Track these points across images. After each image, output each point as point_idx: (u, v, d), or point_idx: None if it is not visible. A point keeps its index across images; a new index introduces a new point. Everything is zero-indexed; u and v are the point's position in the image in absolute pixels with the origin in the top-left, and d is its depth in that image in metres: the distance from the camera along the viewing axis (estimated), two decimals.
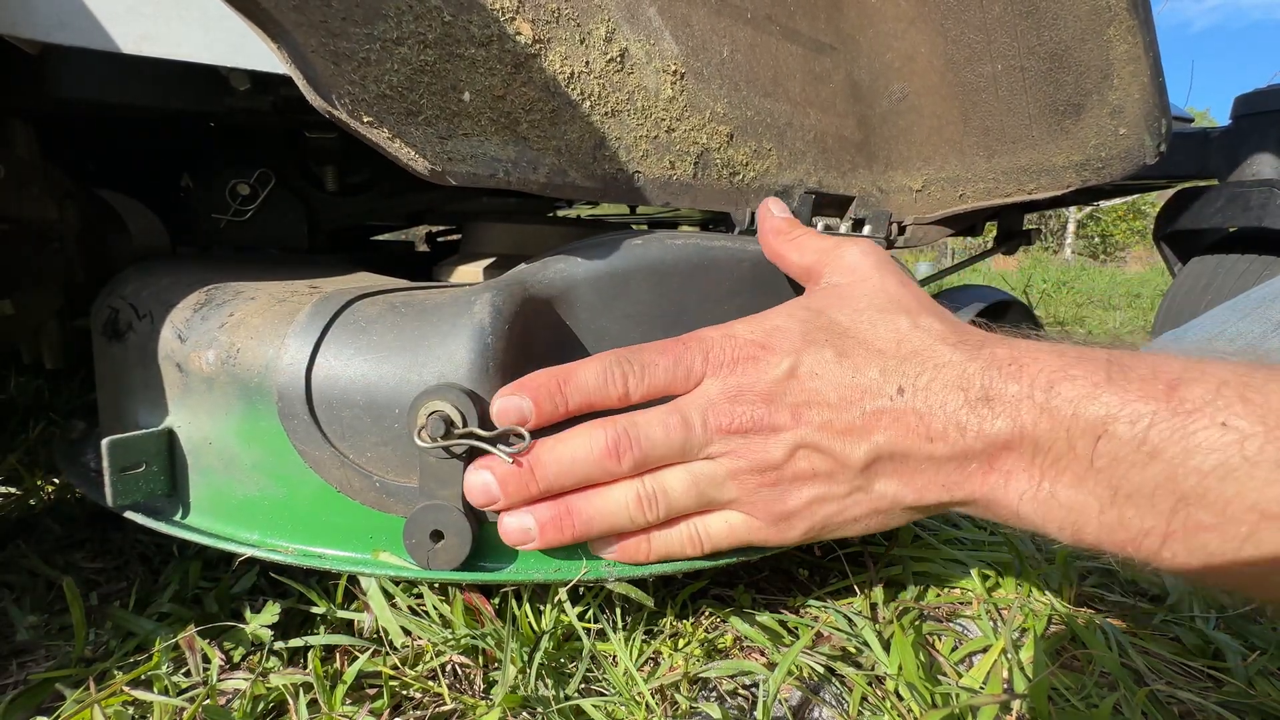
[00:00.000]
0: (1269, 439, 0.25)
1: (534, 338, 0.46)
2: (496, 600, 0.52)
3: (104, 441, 0.43)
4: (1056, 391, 0.30)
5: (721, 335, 0.38)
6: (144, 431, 0.46)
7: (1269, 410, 0.26)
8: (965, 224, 0.70)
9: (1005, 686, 0.46)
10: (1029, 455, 0.31)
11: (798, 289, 0.48)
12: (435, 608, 0.51)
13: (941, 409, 0.33)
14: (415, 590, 0.53)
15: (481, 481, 0.39)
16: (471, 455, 0.41)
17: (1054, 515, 0.31)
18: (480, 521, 0.43)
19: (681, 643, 0.52)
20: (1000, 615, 0.56)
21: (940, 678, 0.48)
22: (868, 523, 0.38)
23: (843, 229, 0.63)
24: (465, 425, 0.40)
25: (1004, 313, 0.93)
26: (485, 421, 0.41)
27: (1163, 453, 0.27)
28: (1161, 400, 0.28)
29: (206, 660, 0.46)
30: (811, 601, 0.57)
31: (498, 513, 0.41)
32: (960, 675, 0.49)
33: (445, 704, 0.44)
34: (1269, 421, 0.26)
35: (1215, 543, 0.27)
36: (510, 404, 0.38)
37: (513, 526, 0.39)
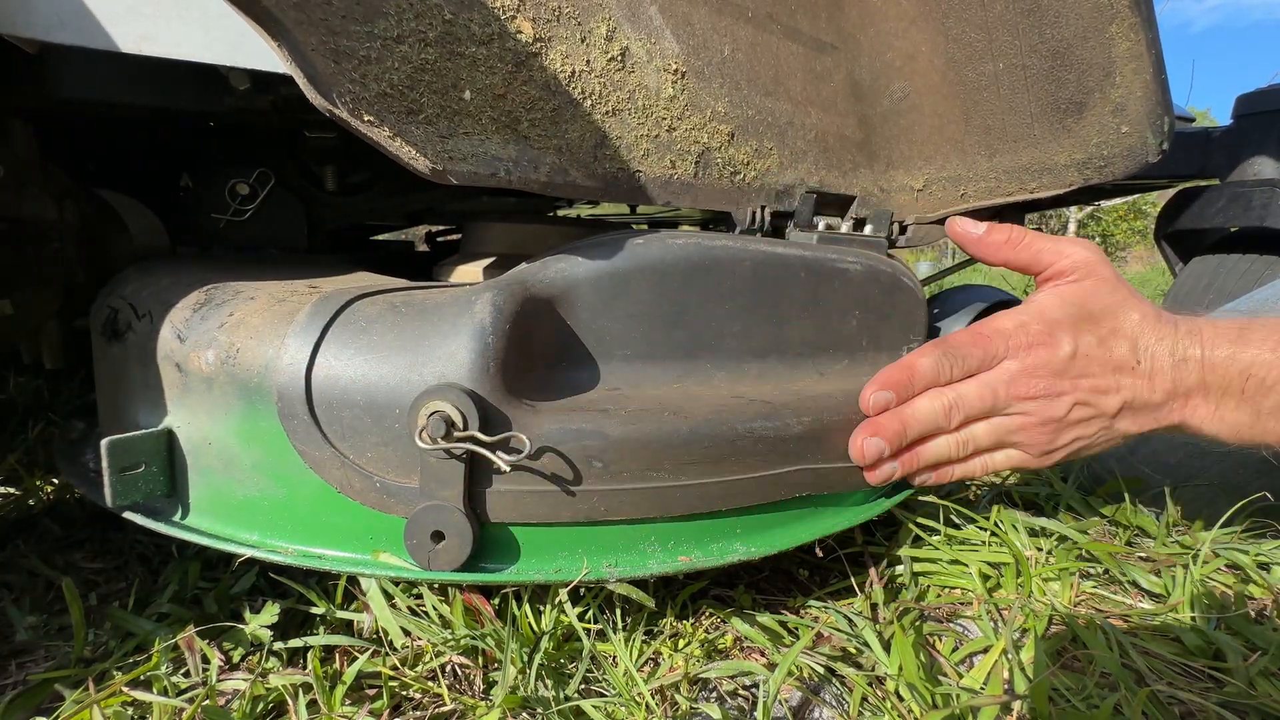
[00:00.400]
0: None
1: (535, 337, 0.46)
2: (496, 601, 0.52)
3: (103, 442, 0.43)
4: (1218, 353, 0.49)
5: (1015, 325, 0.52)
6: (143, 432, 0.45)
7: None
8: None
9: (1006, 687, 0.45)
10: (1207, 394, 0.50)
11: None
12: (435, 608, 0.51)
13: (1162, 370, 0.50)
14: (415, 591, 0.53)
15: (876, 444, 0.51)
16: (472, 456, 0.41)
17: (1225, 428, 0.50)
18: (481, 522, 0.43)
19: (681, 643, 0.52)
20: (1000, 615, 0.56)
21: (941, 678, 0.48)
22: (1101, 448, 0.53)
23: (844, 228, 0.63)
24: (466, 426, 0.40)
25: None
26: (486, 422, 0.41)
27: (1278, 385, 0.47)
28: (1273, 353, 0.47)
29: (206, 661, 0.46)
30: (812, 602, 0.57)
31: (866, 468, 0.52)
32: (961, 676, 0.48)
33: (445, 704, 0.44)
34: None
35: None
36: (881, 397, 0.52)
37: (886, 468, 0.53)
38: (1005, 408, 0.52)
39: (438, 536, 0.41)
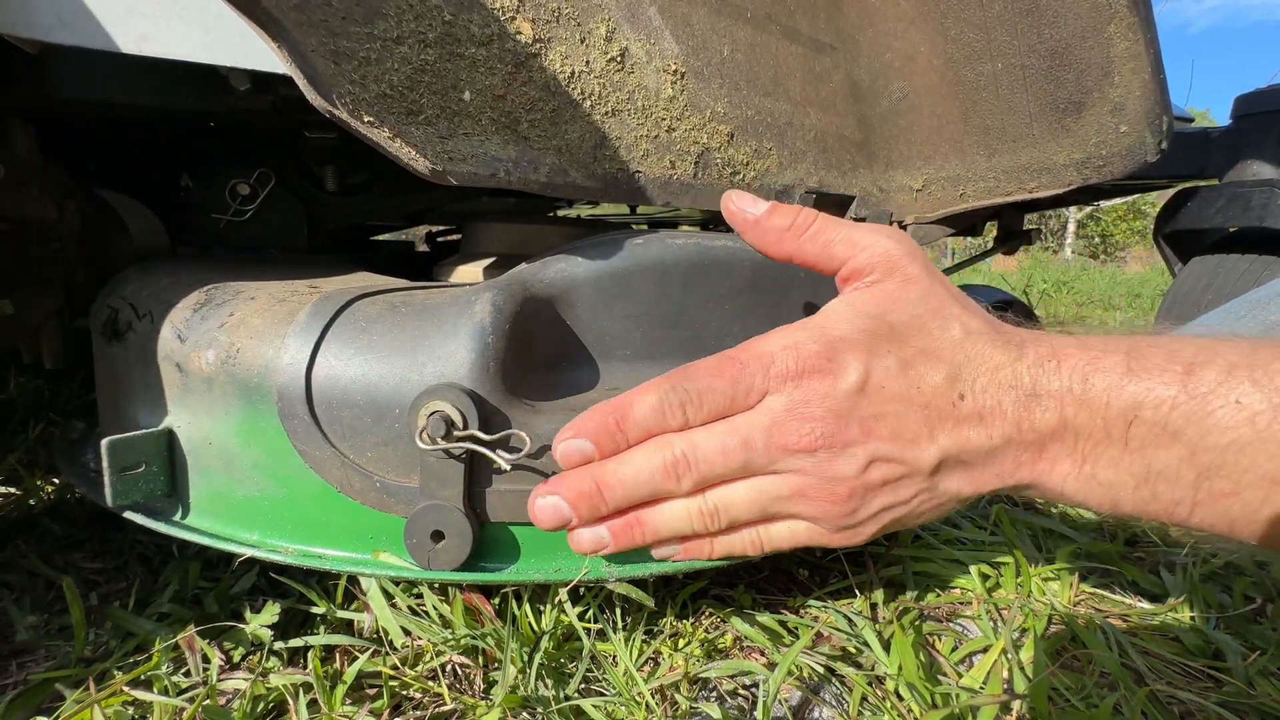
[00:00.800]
0: (1275, 416, 0.29)
1: (534, 337, 0.46)
2: (496, 600, 0.52)
3: (103, 442, 0.43)
4: (1091, 384, 0.34)
5: (782, 348, 0.37)
6: (144, 432, 0.46)
7: (1274, 389, 0.29)
8: (966, 223, 0.70)
9: (1005, 687, 0.45)
10: (1071, 442, 0.35)
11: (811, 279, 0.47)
12: (435, 608, 0.51)
13: (998, 407, 0.36)
14: (415, 590, 0.53)
15: (552, 505, 0.39)
16: (472, 456, 0.41)
17: (1094, 493, 0.35)
18: (481, 522, 0.43)
19: (681, 643, 0.52)
20: (1000, 615, 0.56)
21: (940, 678, 0.48)
22: (929, 516, 0.40)
23: None
24: (466, 426, 0.40)
25: (1004, 313, 0.93)
26: (486, 422, 0.41)
27: (1183, 433, 0.31)
28: (1179, 385, 0.31)
29: (206, 660, 0.46)
30: (811, 601, 0.57)
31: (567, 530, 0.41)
32: (960, 675, 0.48)
33: (445, 704, 0.44)
34: (1274, 400, 0.29)
35: (1236, 508, 0.31)
36: (572, 448, 0.39)
37: (586, 537, 0.40)
38: (769, 464, 0.37)
39: (438, 536, 0.41)
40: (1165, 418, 0.31)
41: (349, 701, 0.44)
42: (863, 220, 0.63)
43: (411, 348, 0.43)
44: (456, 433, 0.40)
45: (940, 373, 0.36)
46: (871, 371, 0.36)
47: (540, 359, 0.47)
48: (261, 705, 0.43)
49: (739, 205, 0.44)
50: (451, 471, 0.41)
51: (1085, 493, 0.35)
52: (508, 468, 0.40)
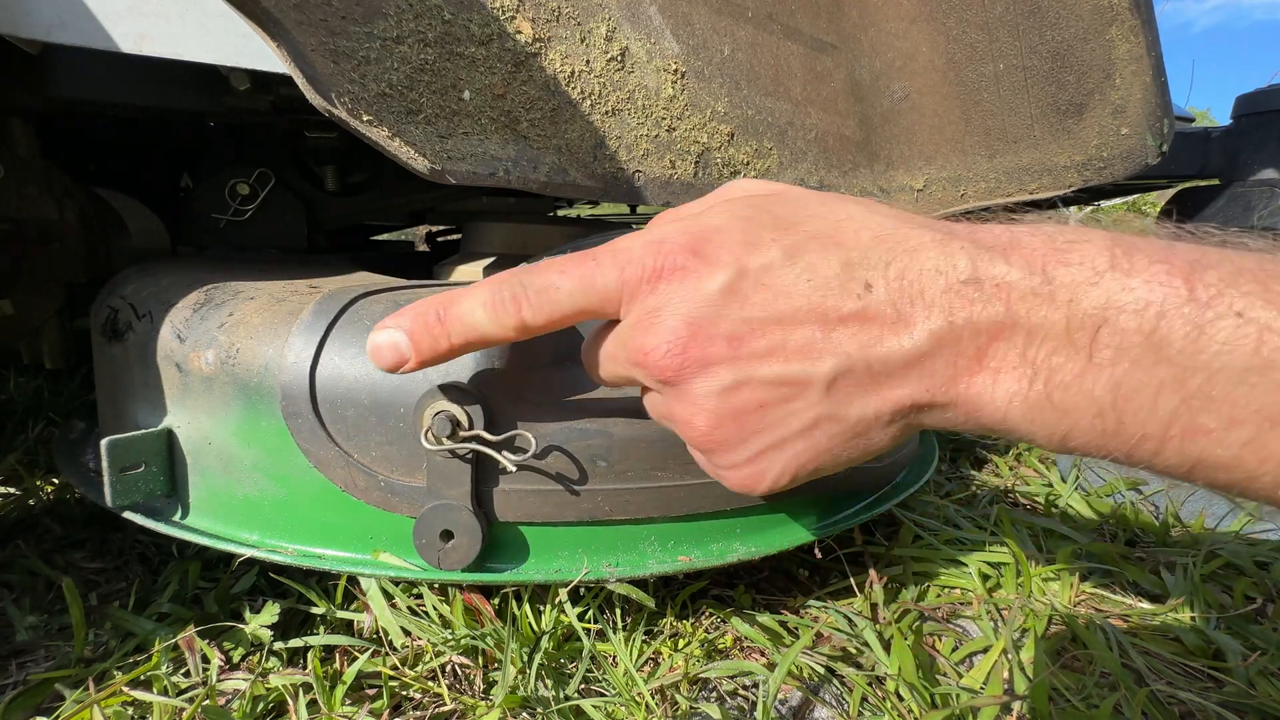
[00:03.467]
0: None
1: (537, 336, 0.46)
2: (496, 601, 0.52)
3: (103, 442, 0.43)
4: (1052, 275, 0.25)
5: (643, 243, 0.30)
6: (143, 432, 0.46)
7: None
8: None
9: (1006, 687, 0.45)
10: (1020, 347, 0.26)
11: None
12: (435, 608, 0.51)
13: (921, 298, 0.27)
14: (415, 591, 0.53)
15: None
16: (479, 456, 0.41)
17: (1044, 419, 0.26)
18: (490, 521, 0.43)
19: (681, 643, 0.52)
20: (1000, 615, 0.56)
21: (940, 678, 0.48)
22: (852, 454, 0.31)
23: None
24: (471, 426, 0.40)
25: None
26: (491, 421, 0.41)
27: (1170, 345, 0.23)
28: (1172, 285, 0.24)
29: (206, 660, 0.46)
30: (811, 601, 0.57)
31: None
32: (960, 676, 0.48)
33: (445, 704, 0.44)
34: None
35: (1212, 449, 0.24)
36: (384, 340, 0.33)
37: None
38: (639, 378, 0.32)
39: (447, 535, 0.41)
40: (1151, 324, 0.23)
41: (349, 702, 0.44)
42: None
43: None
44: (462, 433, 0.40)
45: (838, 257, 0.28)
46: (747, 267, 0.28)
47: (544, 357, 0.47)
48: (261, 705, 0.43)
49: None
50: (459, 471, 0.41)
51: (1032, 420, 0.26)
52: (513, 469, 0.40)
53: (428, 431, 0.39)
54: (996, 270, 0.26)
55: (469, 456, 0.41)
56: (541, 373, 0.47)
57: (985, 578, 0.60)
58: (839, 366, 0.28)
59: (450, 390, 0.40)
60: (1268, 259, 0.24)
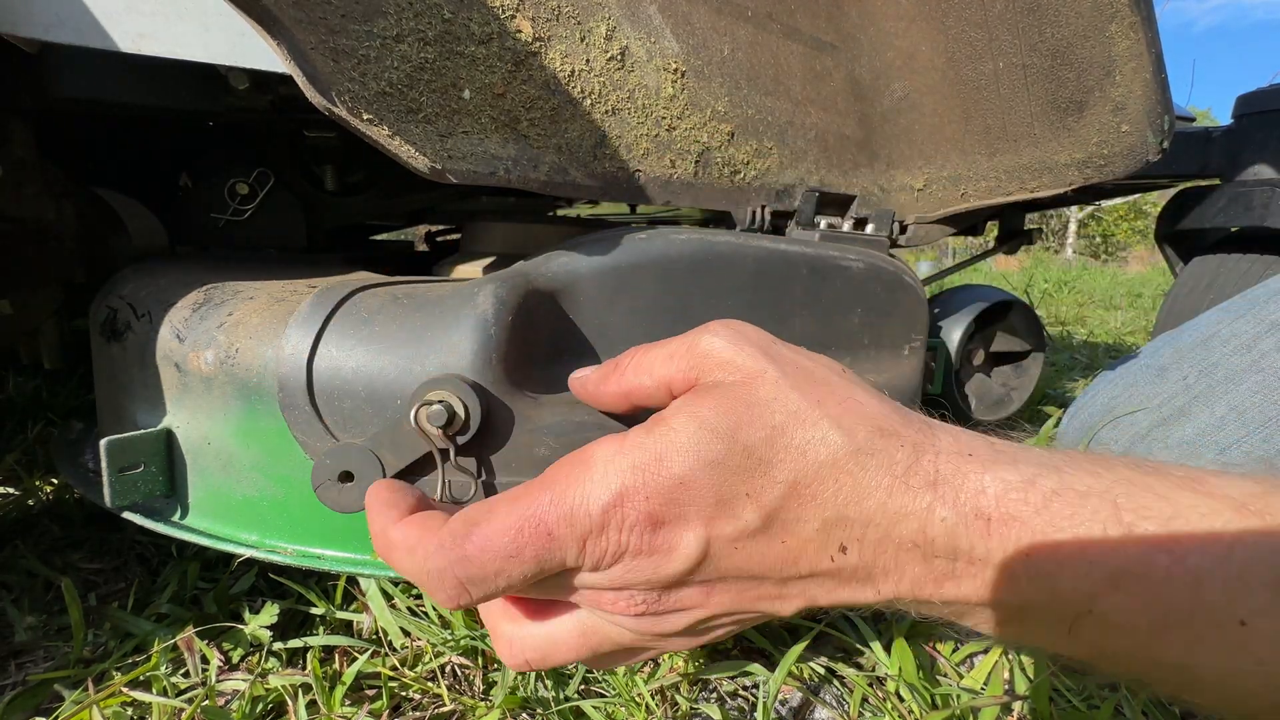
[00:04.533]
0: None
1: (537, 331, 0.46)
2: None
3: (102, 442, 0.43)
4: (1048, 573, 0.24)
5: (602, 506, 0.27)
6: (142, 432, 0.45)
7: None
8: (967, 223, 0.70)
9: (1006, 687, 0.45)
10: (995, 615, 0.26)
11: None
12: (435, 608, 0.51)
13: (895, 569, 0.26)
14: (415, 591, 0.53)
15: None
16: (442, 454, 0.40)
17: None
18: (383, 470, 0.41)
19: None
20: None
21: (941, 679, 0.48)
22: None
23: (844, 227, 0.63)
24: (467, 419, 0.39)
25: (1006, 313, 0.93)
26: (489, 412, 0.40)
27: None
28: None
29: (205, 661, 0.46)
30: None
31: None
32: (961, 676, 0.48)
33: (445, 705, 0.44)
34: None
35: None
36: None
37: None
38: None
39: (346, 476, 0.39)
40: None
41: (348, 702, 0.44)
42: (864, 220, 0.63)
43: (414, 339, 0.43)
44: (450, 431, 0.39)
45: (815, 517, 0.26)
46: (715, 540, 0.27)
47: (542, 352, 0.47)
48: (260, 706, 0.43)
49: (579, 382, 0.37)
50: (415, 446, 0.40)
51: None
52: (437, 496, 0.40)
53: (418, 408, 0.38)
54: (977, 549, 0.25)
55: (438, 449, 0.40)
56: (539, 367, 0.46)
57: None
58: (803, 606, 0.29)
59: (448, 381, 0.40)
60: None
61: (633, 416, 0.36)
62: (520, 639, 0.32)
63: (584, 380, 0.37)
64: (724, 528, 0.27)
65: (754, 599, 0.29)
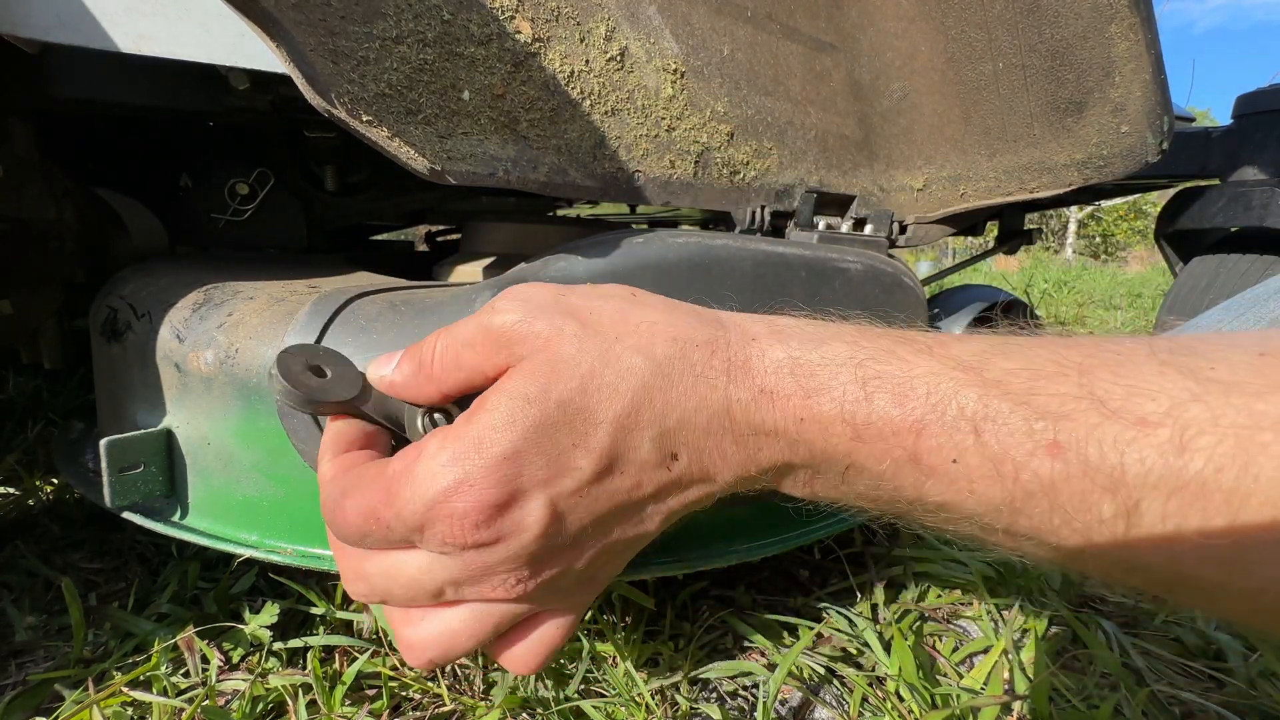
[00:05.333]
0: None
1: None
2: None
3: (102, 442, 0.43)
4: (807, 419, 0.28)
5: (425, 507, 0.27)
6: (142, 432, 0.45)
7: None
8: (967, 223, 0.70)
9: (1006, 687, 0.45)
10: (805, 476, 0.30)
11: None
12: None
13: (721, 458, 0.29)
14: None
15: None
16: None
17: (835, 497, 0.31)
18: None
19: (681, 643, 0.52)
20: (1001, 616, 0.56)
21: (941, 678, 0.48)
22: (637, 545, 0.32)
23: (844, 228, 0.63)
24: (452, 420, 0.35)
25: (1005, 313, 0.93)
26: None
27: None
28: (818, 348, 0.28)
29: (205, 661, 0.46)
30: (812, 602, 0.57)
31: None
32: (961, 676, 0.48)
33: (445, 705, 0.44)
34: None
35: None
36: None
37: None
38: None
39: (319, 372, 0.34)
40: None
41: (348, 702, 0.44)
42: (863, 220, 0.63)
43: None
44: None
45: (645, 440, 0.28)
46: (559, 499, 0.28)
47: None
48: (260, 706, 0.43)
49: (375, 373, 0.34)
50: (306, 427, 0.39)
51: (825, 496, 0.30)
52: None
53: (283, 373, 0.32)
54: (766, 421, 0.28)
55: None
56: None
57: (986, 578, 0.60)
58: (665, 516, 0.30)
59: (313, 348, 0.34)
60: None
61: None
62: (419, 639, 0.32)
63: (391, 381, 0.33)
64: (564, 484, 0.28)
65: (619, 532, 0.30)
